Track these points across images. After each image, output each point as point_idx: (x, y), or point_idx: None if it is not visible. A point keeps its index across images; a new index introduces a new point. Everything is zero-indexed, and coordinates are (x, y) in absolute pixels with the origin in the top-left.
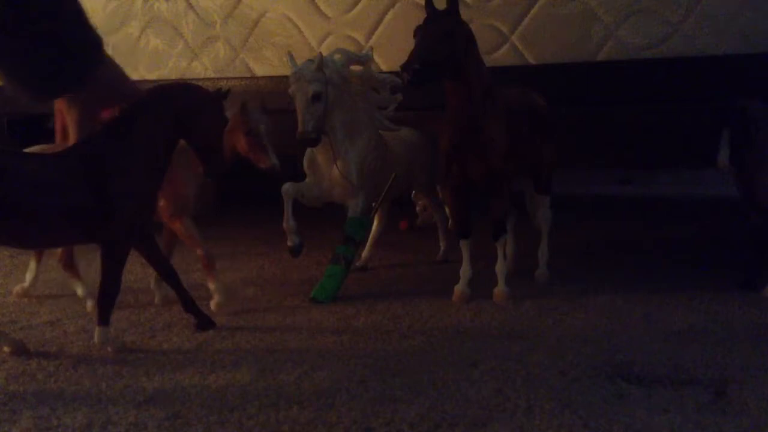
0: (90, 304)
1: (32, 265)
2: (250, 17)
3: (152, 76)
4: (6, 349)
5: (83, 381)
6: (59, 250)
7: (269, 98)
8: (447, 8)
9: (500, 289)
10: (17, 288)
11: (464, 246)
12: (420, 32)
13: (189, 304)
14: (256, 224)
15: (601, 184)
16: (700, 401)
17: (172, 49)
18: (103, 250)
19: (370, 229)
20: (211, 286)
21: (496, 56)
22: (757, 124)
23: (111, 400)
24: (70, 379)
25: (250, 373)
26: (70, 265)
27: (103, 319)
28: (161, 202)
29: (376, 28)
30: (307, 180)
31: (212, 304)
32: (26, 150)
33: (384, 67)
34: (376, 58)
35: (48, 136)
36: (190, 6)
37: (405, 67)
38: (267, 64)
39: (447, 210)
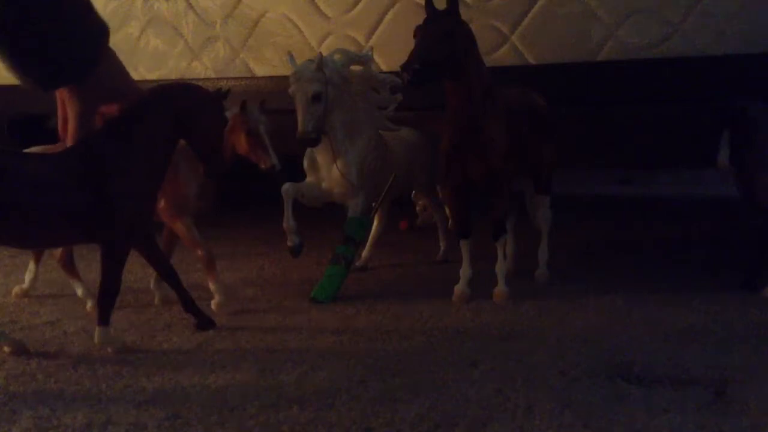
0: (90, 304)
1: (31, 266)
2: (250, 17)
3: (152, 76)
4: (6, 349)
5: (83, 381)
6: (59, 250)
7: (269, 98)
8: (447, 8)
9: (500, 289)
10: (16, 289)
11: (464, 246)
12: (420, 32)
13: (189, 304)
14: (256, 224)
15: (601, 184)
16: (700, 401)
17: (172, 49)
18: (103, 250)
19: (370, 229)
20: (212, 286)
21: (496, 56)
22: (757, 124)
23: (111, 400)
24: (70, 379)
25: (250, 373)
26: (69, 265)
27: (103, 319)
28: (161, 202)
29: (376, 28)
30: (307, 180)
31: (212, 304)
32: (26, 150)
33: (384, 67)
34: (376, 58)
35: (48, 136)
36: (190, 6)
37: (405, 67)
38: (267, 64)
39: (447, 210)
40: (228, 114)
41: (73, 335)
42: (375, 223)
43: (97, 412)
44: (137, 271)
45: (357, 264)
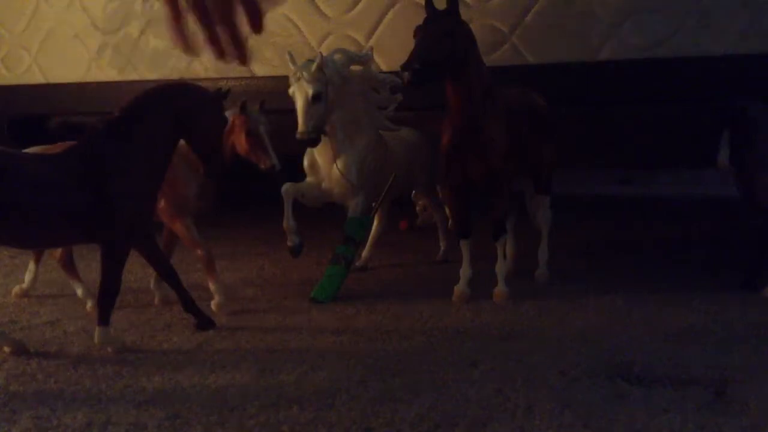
0: (90, 304)
1: (31, 266)
2: None
3: (152, 76)
4: (6, 349)
5: (83, 381)
6: (59, 250)
7: (269, 98)
8: (447, 8)
9: (500, 289)
10: (16, 289)
11: (464, 246)
12: (420, 32)
13: (189, 304)
14: (256, 224)
15: (601, 184)
16: (700, 401)
17: (172, 49)
18: (103, 250)
19: (370, 229)
20: (212, 286)
21: (496, 56)
22: (757, 124)
23: (111, 400)
24: (70, 379)
25: (250, 373)
26: (69, 265)
27: (103, 319)
28: (161, 202)
29: (376, 28)
30: (307, 180)
31: (212, 304)
32: (26, 150)
33: (384, 67)
34: (376, 58)
35: (48, 136)
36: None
37: (405, 66)
38: (267, 64)
39: (447, 210)
40: (228, 114)
41: (73, 335)
42: (375, 223)
43: (97, 412)
44: (137, 271)
45: (357, 264)
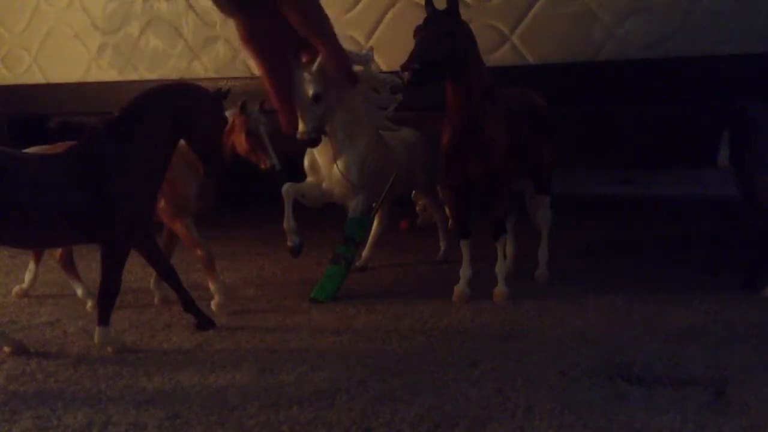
0: (90, 304)
1: (31, 266)
2: None
3: (152, 76)
4: (6, 349)
5: (83, 381)
6: (58, 250)
7: (269, 98)
8: (447, 8)
9: (500, 289)
10: (16, 289)
11: (464, 246)
12: (420, 32)
13: (189, 304)
14: (256, 224)
15: (601, 184)
16: (700, 401)
17: (172, 49)
18: (103, 250)
19: (371, 229)
20: (212, 286)
21: (496, 56)
22: (757, 124)
23: (111, 400)
24: (70, 379)
25: (250, 373)
26: (69, 265)
27: (103, 319)
28: (161, 203)
29: (376, 28)
30: (307, 180)
31: (212, 304)
32: (26, 150)
33: (384, 67)
34: (376, 58)
35: (48, 136)
36: (190, 6)
37: (405, 66)
38: None
39: (447, 210)
40: (228, 114)
41: (73, 335)
42: (375, 223)
43: (97, 412)
44: (137, 271)
45: (357, 264)
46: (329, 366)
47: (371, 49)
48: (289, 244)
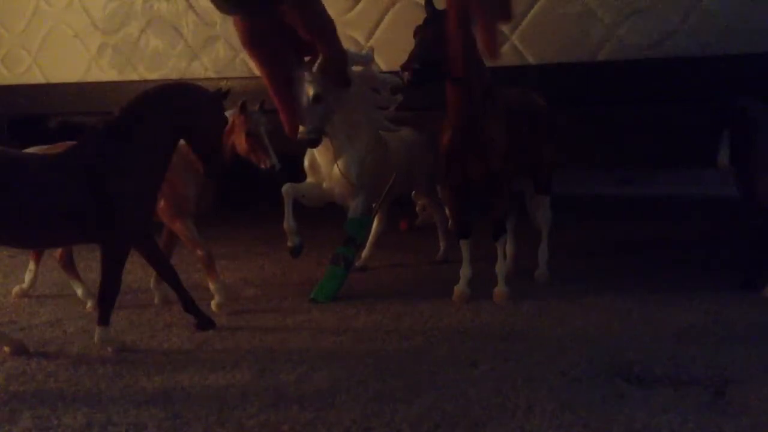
0: (90, 304)
1: (31, 266)
2: None
3: (152, 76)
4: (6, 349)
5: (83, 381)
6: (59, 250)
7: (269, 98)
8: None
9: (500, 289)
10: (16, 289)
11: (464, 246)
12: (420, 32)
13: (189, 304)
14: (256, 224)
15: (601, 184)
16: (700, 401)
17: (172, 49)
18: (103, 250)
19: (371, 229)
20: (212, 286)
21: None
22: (757, 124)
23: (111, 400)
24: (70, 379)
25: (250, 373)
26: (69, 265)
27: (103, 319)
28: (161, 203)
29: (376, 28)
30: (307, 180)
31: (212, 305)
32: (26, 150)
33: (384, 67)
34: (376, 58)
35: (48, 136)
36: (190, 6)
37: (405, 66)
38: None
39: (447, 210)
40: (228, 114)
41: (73, 335)
42: (375, 223)
43: (97, 412)
44: (137, 271)
45: (357, 264)
46: (329, 366)
47: (371, 49)
48: (289, 244)
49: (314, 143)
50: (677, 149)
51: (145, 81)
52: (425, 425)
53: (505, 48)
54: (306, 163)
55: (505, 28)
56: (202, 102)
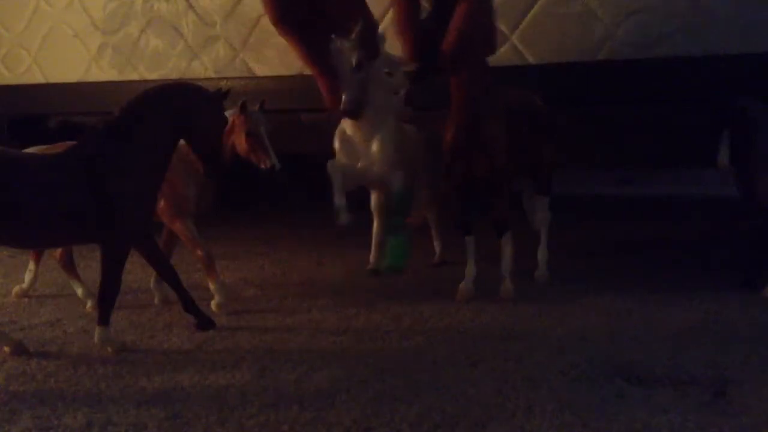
0: (90, 304)
1: (31, 266)
2: (250, 17)
3: (152, 76)
4: (6, 349)
5: (83, 381)
6: (58, 250)
7: (269, 98)
8: None
9: (506, 286)
10: (16, 289)
11: (469, 244)
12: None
13: (189, 304)
14: (256, 224)
15: (601, 184)
16: (700, 401)
17: (172, 49)
18: (103, 250)
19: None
20: (212, 286)
21: (496, 56)
22: (757, 124)
23: (111, 400)
24: (70, 379)
25: (250, 373)
26: (69, 265)
27: (103, 319)
28: (161, 202)
29: None
30: (338, 159)
31: (212, 304)
32: (26, 150)
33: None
34: None
35: (48, 136)
36: (190, 6)
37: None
38: (267, 64)
39: (449, 207)
40: (228, 114)
41: (73, 335)
42: (375, 224)
43: (97, 412)
44: (137, 271)
45: (367, 268)
46: (329, 366)
47: (383, 32)
48: (340, 221)
49: (356, 114)
50: (677, 149)
51: (145, 81)
52: (425, 425)
53: (505, 48)
54: (336, 144)
55: (505, 28)
56: (202, 102)
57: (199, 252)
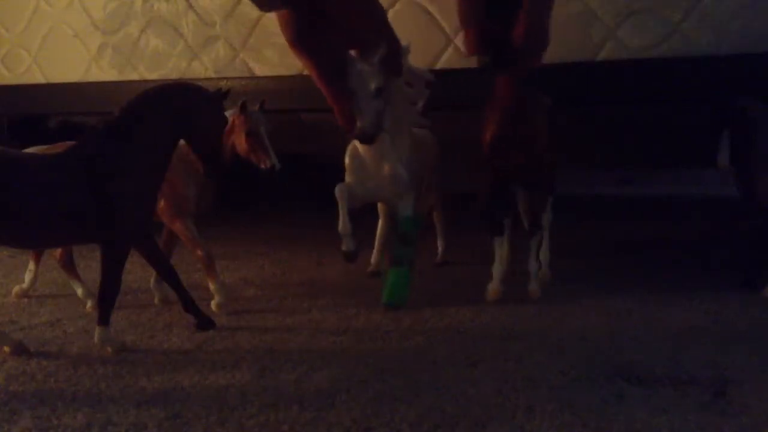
0: (90, 304)
1: (31, 266)
2: (250, 17)
3: (152, 76)
4: (6, 349)
5: (83, 381)
6: (58, 250)
7: (269, 98)
8: None
9: (533, 287)
10: (16, 289)
11: (498, 244)
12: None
13: (189, 304)
14: (256, 224)
15: (601, 184)
16: (700, 401)
17: (172, 49)
18: (103, 250)
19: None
20: (211, 286)
21: None
22: (757, 124)
23: (111, 400)
24: (70, 379)
25: (250, 373)
26: (69, 265)
27: (103, 319)
28: (161, 202)
29: None
30: (347, 179)
31: (212, 304)
32: (26, 150)
33: None
34: None
35: (48, 136)
36: (190, 6)
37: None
38: (267, 64)
39: (483, 205)
40: (228, 114)
41: (73, 335)
42: (380, 225)
43: (97, 412)
44: (137, 271)
45: (369, 270)
46: (329, 366)
47: (409, 43)
48: (343, 248)
49: (371, 139)
50: (677, 149)
51: (145, 81)
52: (425, 425)
53: None
54: (347, 161)
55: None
56: (202, 102)
57: (199, 252)
